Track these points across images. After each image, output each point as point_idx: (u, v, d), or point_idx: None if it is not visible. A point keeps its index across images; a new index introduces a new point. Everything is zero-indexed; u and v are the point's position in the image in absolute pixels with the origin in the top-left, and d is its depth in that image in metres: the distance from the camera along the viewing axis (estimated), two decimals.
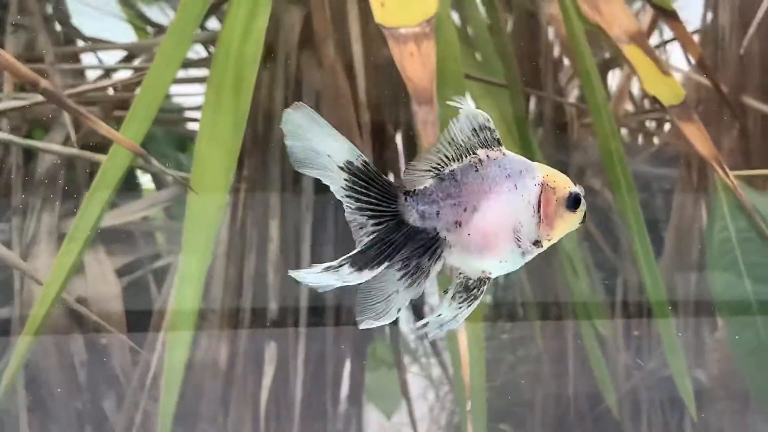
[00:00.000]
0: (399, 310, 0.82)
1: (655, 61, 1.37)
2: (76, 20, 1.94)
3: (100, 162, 1.45)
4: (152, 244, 1.95)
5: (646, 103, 2.29)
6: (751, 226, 1.56)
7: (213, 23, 1.75)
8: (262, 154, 1.60)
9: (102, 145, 1.52)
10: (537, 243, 0.84)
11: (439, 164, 0.83)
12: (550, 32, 2.06)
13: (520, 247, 0.83)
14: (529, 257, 0.85)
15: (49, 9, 1.89)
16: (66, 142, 1.66)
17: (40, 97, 1.43)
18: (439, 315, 0.83)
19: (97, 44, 1.89)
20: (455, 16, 1.77)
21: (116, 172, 1.35)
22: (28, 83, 1.20)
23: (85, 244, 1.35)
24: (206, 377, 1.62)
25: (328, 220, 1.63)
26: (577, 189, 0.85)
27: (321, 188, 1.62)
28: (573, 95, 2.17)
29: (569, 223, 0.85)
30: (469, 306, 0.84)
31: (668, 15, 1.58)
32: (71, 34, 1.93)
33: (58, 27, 1.92)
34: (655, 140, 2.33)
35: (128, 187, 1.94)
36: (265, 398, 1.56)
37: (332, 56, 1.52)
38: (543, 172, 0.84)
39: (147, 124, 1.38)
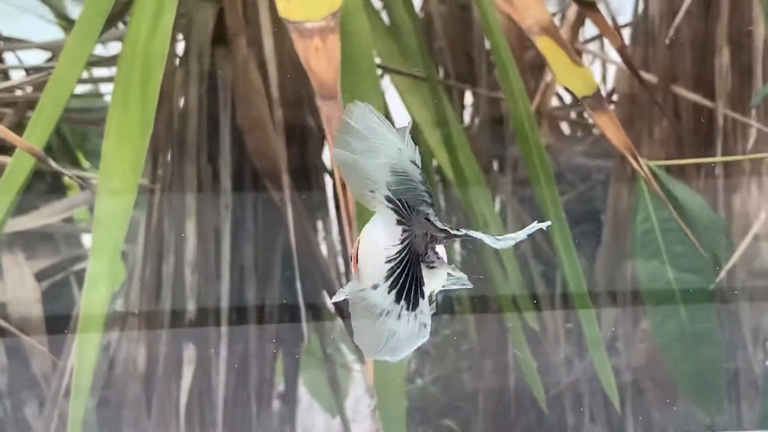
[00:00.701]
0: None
1: (567, 52, 1.36)
2: None
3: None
4: (76, 246, 1.92)
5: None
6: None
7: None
8: (177, 153, 1.58)
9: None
10: None
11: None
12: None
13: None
14: None
15: None
16: None
17: None
18: None
19: (13, 44, 1.85)
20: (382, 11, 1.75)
21: (20, 174, 1.32)
22: None
23: None
24: (127, 381, 1.59)
25: (247, 219, 1.61)
26: None
27: (239, 186, 1.61)
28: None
29: None
30: None
31: (588, 6, 1.57)
32: None
33: None
34: (595, 132, 2.33)
35: (52, 189, 1.92)
36: (185, 400, 1.54)
37: (245, 52, 1.50)
38: None
39: (53, 124, 1.35)
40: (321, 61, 1.21)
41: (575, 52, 1.41)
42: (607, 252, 2.06)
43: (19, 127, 1.71)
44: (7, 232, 1.71)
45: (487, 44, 2.09)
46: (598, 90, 1.37)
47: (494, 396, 1.94)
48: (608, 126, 1.35)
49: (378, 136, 0.69)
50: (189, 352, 1.56)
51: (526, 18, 1.36)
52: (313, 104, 1.51)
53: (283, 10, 1.24)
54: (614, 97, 2.16)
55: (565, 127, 2.33)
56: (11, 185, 1.32)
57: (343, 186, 1.14)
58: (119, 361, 1.60)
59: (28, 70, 1.93)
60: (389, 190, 0.72)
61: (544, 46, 1.36)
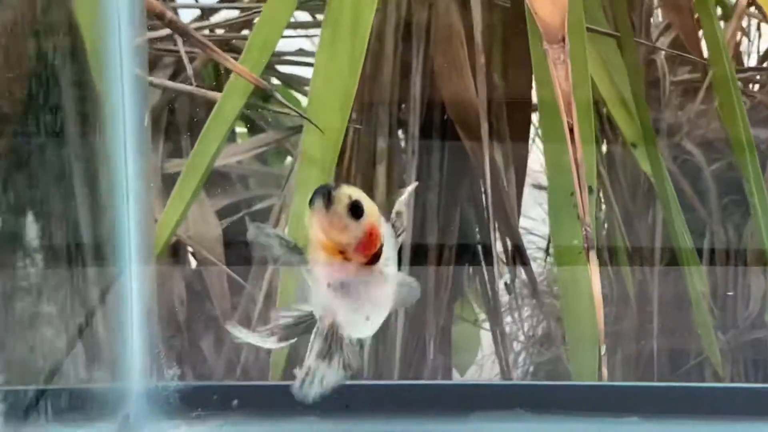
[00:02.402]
0: None
1: None
2: None
3: (206, 102, 1.45)
4: (247, 188, 1.96)
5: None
6: None
7: None
8: (369, 96, 1.59)
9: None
10: None
11: None
12: None
13: None
14: None
15: None
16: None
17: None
18: None
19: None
20: None
21: (233, 108, 1.34)
22: (154, 15, 1.19)
23: (200, 181, 1.35)
24: None
25: (432, 166, 1.62)
26: None
27: (426, 133, 1.62)
28: (662, 53, 2.13)
29: None
30: None
31: None
32: None
33: None
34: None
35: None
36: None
37: None
38: None
39: (262, 64, 1.37)
40: (546, 4, 1.20)
41: None
42: None
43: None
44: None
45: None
46: None
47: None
48: None
49: None
50: None
51: None
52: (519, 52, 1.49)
53: None
54: None
55: None
56: (225, 117, 1.34)
57: (571, 131, 1.13)
58: None
59: (204, 10, 1.95)
60: None
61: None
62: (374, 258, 0.80)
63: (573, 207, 1.37)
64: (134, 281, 0.95)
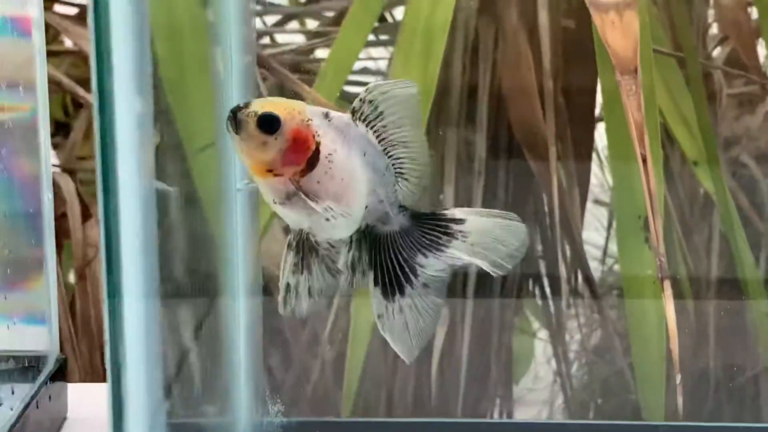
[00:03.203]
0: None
1: None
2: None
3: None
4: None
5: None
6: None
7: None
8: (435, 120, 1.63)
9: None
10: None
11: None
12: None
13: None
14: None
15: None
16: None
17: None
18: None
19: (268, 8, 1.93)
20: None
21: None
22: None
23: None
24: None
25: (498, 186, 1.65)
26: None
27: (493, 154, 1.65)
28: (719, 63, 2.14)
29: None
30: None
31: None
32: None
33: None
34: None
35: None
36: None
37: (515, 22, 1.53)
38: None
39: (337, 90, 1.41)
40: (617, 35, 1.23)
41: None
42: None
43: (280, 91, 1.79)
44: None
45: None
46: None
47: None
48: None
49: None
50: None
51: None
52: (583, 77, 1.53)
53: None
54: None
55: None
56: None
57: (644, 161, 1.16)
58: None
59: (270, 35, 2.00)
60: None
61: None
62: (311, 162, 0.75)
63: (640, 230, 1.40)
64: (242, 314, 0.98)
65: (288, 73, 1.31)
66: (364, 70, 1.98)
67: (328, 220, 0.77)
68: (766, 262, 2.05)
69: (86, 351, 1.67)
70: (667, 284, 1.09)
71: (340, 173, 0.77)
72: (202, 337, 0.96)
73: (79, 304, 1.69)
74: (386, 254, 0.81)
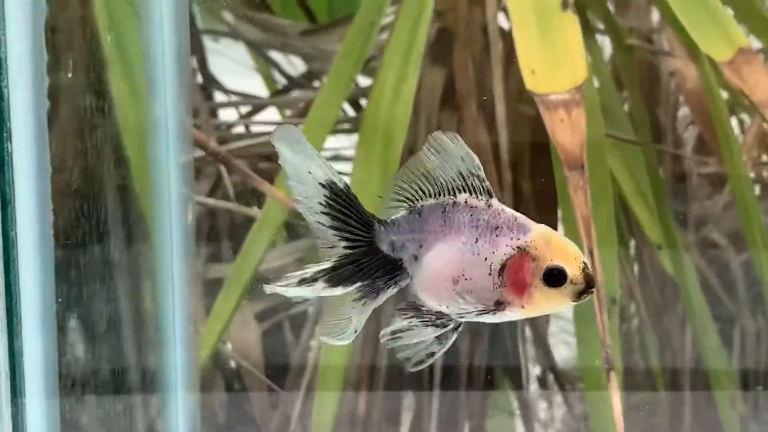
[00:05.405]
0: (356, 331, 0.83)
1: None
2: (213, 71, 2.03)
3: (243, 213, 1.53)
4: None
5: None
6: None
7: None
8: None
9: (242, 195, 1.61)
10: (499, 304, 0.81)
11: (413, 196, 0.84)
12: (671, 84, 2.08)
13: (464, 299, 0.81)
14: (491, 315, 0.82)
15: (194, 63, 1.99)
16: (212, 193, 1.75)
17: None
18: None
19: (240, 98, 1.98)
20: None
21: (273, 223, 1.42)
22: (198, 145, 1.28)
23: (242, 294, 1.42)
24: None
25: None
26: (563, 266, 0.79)
27: None
28: (689, 146, 2.19)
29: (551, 299, 0.80)
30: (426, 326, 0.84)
31: None
32: (210, 86, 2.02)
33: (199, 79, 2.01)
34: None
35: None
36: None
37: (474, 115, 1.58)
38: (533, 237, 0.81)
39: None
40: (566, 132, 1.27)
41: None
42: None
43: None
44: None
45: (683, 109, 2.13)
46: None
47: None
48: None
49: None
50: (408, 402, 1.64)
51: (758, 92, 1.40)
52: (541, 168, 1.57)
53: (529, 83, 1.31)
54: None
55: None
56: (264, 235, 1.42)
57: (591, 253, 1.19)
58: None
59: (246, 125, 2.05)
60: None
61: None
62: None
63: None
64: (180, 411, 0.99)
65: (253, 174, 1.35)
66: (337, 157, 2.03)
67: None
68: (740, 345, 2.07)
69: None
70: (612, 375, 1.11)
71: None
72: None
73: None
74: None
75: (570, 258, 0.79)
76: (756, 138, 2.18)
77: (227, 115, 2.12)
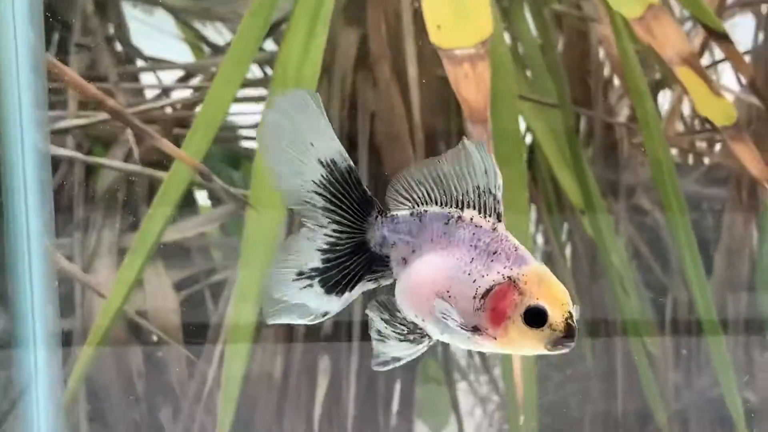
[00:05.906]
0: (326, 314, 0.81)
1: (708, 83, 1.38)
2: (136, 40, 2.00)
3: (159, 178, 1.50)
4: (208, 259, 1.99)
5: (697, 124, 2.30)
6: None
7: (270, 45, 1.79)
8: None
9: (160, 162, 1.58)
10: (475, 329, 0.77)
11: (419, 198, 0.80)
12: (601, 52, 2.07)
13: (443, 317, 0.77)
14: (457, 335, 0.78)
15: (111, 30, 1.95)
16: (127, 159, 1.72)
17: (103, 115, 1.48)
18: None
19: (157, 64, 1.94)
20: (507, 36, 1.80)
21: (177, 188, 1.39)
22: (95, 102, 1.24)
23: (146, 258, 1.39)
24: (261, 390, 1.65)
25: None
26: (546, 307, 0.75)
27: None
28: (623, 114, 2.18)
29: (526, 338, 0.76)
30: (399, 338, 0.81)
31: (719, 36, 1.59)
32: (131, 54, 1.99)
33: (118, 47, 1.98)
34: (706, 160, 2.33)
35: (186, 203, 1.99)
36: (319, 412, 1.59)
37: (387, 76, 1.55)
38: (527, 272, 0.77)
39: (207, 142, 1.42)
40: (470, 87, 1.26)
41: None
42: (719, 281, 2.06)
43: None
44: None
45: (606, 71, 2.12)
46: (738, 120, 1.39)
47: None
48: (747, 156, 1.38)
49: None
50: (324, 364, 1.62)
51: (667, 48, 1.39)
52: (453, 127, 1.55)
53: (434, 38, 1.29)
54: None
55: (674, 154, 2.34)
56: (169, 198, 1.39)
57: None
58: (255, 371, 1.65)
59: (167, 90, 2.01)
60: None
61: (684, 76, 1.39)
62: None
63: None
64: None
65: (152, 132, 1.32)
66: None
67: None
68: (671, 306, 2.08)
69: None
70: None
71: None
72: None
73: None
74: None
75: (557, 302, 0.75)
76: (673, 108, 2.18)
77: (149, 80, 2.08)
